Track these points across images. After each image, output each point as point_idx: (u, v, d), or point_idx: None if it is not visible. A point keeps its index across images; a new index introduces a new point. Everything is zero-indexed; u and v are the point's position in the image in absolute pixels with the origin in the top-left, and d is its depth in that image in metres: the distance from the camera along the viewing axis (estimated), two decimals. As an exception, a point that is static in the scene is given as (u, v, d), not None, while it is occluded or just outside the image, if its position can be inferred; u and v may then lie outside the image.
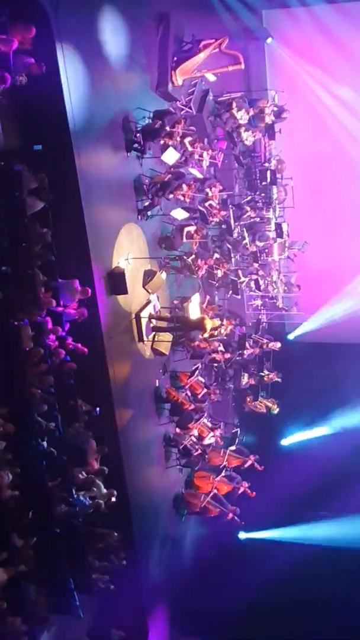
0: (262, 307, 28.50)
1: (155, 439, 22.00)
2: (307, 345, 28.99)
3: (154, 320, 20.77)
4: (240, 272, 25.62)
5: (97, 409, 17.25)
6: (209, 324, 20.87)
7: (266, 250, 26.95)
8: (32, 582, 14.70)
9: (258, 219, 26.86)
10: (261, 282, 26.61)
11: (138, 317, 20.07)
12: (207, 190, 22.80)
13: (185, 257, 22.04)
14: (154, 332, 20.84)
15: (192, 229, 21.75)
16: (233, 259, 25.40)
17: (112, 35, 18.35)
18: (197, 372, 22.75)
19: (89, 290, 16.62)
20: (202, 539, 25.18)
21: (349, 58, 26.62)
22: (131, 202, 20.01)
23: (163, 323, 21.15)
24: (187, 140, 21.01)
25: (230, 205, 24.98)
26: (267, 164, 27.02)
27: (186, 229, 21.63)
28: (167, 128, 19.73)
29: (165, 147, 20.10)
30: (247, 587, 22.43)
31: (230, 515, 22.15)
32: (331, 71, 27.18)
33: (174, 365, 22.95)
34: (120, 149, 19.19)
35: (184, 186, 20.45)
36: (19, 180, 14.55)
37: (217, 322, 22.08)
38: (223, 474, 22.76)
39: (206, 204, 22.87)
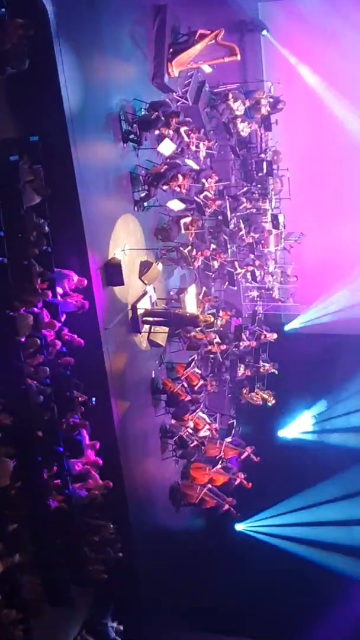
0: (258, 299, 28.54)
1: (151, 430, 22.03)
2: (303, 337, 28.99)
3: (149, 318, 20.79)
4: (236, 263, 25.64)
5: (94, 399, 17.22)
6: (202, 322, 20.96)
7: (262, 242, 26.97)
8: (27, 573, 14.70)
9: (254, 210, 26.87)
10: (257, 273, 26.63)
11: (134, 309, 20.07)
12: (203, 180, 22.76)
13: (181, 249, 22.02)
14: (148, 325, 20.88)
15: (187, 220, 21.73)
16: (229, 250, 25.40)
17: (109, 26, 18.32)
18: (193, 363, 22.77)
19: (85, 281, 16.62)
20: (199, 531, 25.21)
21: (344, 49, 26.58)
22: (127, 193, 20.00)
23: (158, 319, 21.14)
24: (182, 129, 20.97)
25: (226, 196, 24.96)
26: (263, 155, 27.01)
27: (182, 221, 21.60)
28: (163, 119, 19.72)
29: (161, 138, 20.09)
30: (243, 578, 22.49)
31: (227, 506, 22.18)
32: (326, 62, 27.15)
33: (170, 356, 22.98)
34: (116, 140, 19.17)
35: (180, 177, 20.41)
36: (15, 172, 14.52)
37: (210, 317, 22.10)
38: (219, 465, 22.78)
39: (202, 196, 22.84)
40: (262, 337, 26.21)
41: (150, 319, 20.79)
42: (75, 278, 16.53)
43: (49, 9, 15.23)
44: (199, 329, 21.77)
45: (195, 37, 21.62)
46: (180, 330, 22.05)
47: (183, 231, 21.77)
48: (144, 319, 20.57)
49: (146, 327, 20.77)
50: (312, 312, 29.01)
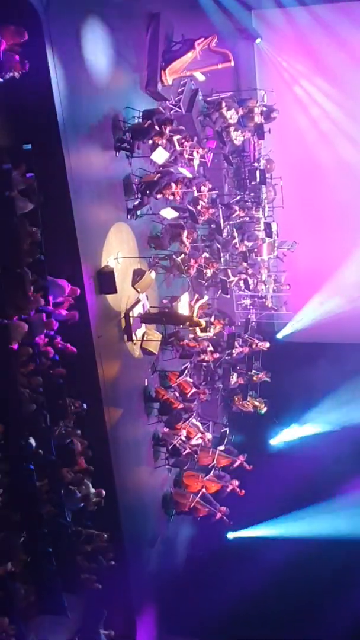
0: (251, 307, 28.57)
1: (144, 438, 22.01)
2: (296, 345, 29.04)
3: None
4: (229, 271, 25.68)
5: (84, 405, 17.22)
6: (198, 329, 21.02)
7: (255, 250, 27.02)
8: (20, 582, 14.68)
9: (247, 219, 26.92)
10: (250, 281, 26.67)
11: (127, 316, 20.07)
12: (195, 189, 22.77)
13: (174, 257, 22.02)
14: (144, 325, 20.86)
15: (184, 233, 21.76)
16: (222, 259, 25.41)
17: (102, 34, 18.35)
18: (186, 371, 22.78)
19: (78, 290, 16.59)
20: (191, 539, 25.18)
21: (337, 58, 26.66)
22: (121, 201, 20.01)
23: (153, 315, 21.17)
24: (175, 138, 20.99)
25: (219, 205, 24.99)
26: (256, 164, 27.09)
27: (183, 235, 21.67)
28: (157, 127, 19.74)
29: (154, 147, 20.11)
30: (235, 586, 22.43)
31: (219, 514, 22.16)
32: (320, 71, 27.25)
33: (163, 364, 22.96)
34: (109, 148, 19.19)
35: (173, 184, 20.42)
36: (8, 179, 14.52)
37: (202, 322, 22.12)
38: (212, 473, 22.76)
39: (195, 204, 22.86)
40: (255, 346, 26.22)
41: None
42: (68, 288, 16.49)
43: (42, 17, 15.25)
44: (192, 336, 21.80)
45: (194, 43, 21.64)
46: (173, 338, 22.08)
47: (182, 244, 21.77)
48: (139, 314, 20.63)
49: (139, 334, 20.75)
50: (304, 319, 29.04)
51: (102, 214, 18.97)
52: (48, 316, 15.76)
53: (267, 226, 26.64)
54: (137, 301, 20.68)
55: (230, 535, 24.95)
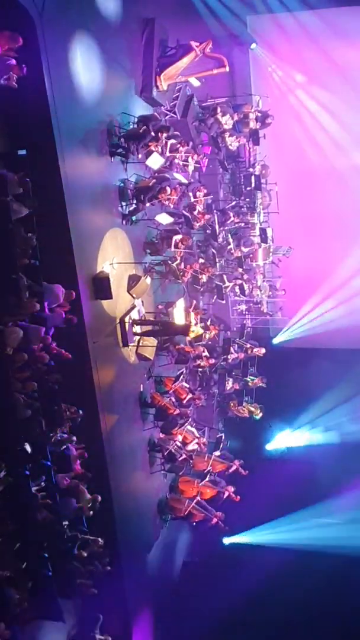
0: (246, 312, 28.56)
1: (139, 444, 21.99)
2: (291, 350, 29.07)
3: (137, 327, 20.80)
4: (225, 277, 25.70)
5: (80, 411, 17.22)
6: (194, 330, 21.00)
7: (251, 255, 27.00)
8: (15, 587, 14.66)
9: (242, 224, 26.92)
10: (246, 287, 26.67)
11: (122, 322, 20.07)
12: (190, 194, 22.77)
13: (169, 262, 22.02)
14: (138, 337, 20.88)
15: (179, 237, 21.75)
16: (218, 264, 25.42)
17: (97, 40, 18.36)
18: (181, 377, 22.74)
19: (73, 293, 16.53)
20: (187, 544, 25.17)
21: (332, 64, 26.71)
22: (116, 207, 20.03)
23: (147, 327, 21.16)
24: (170, 142, 21.00)
25: (214, 210, 25.01)
26: (251, 169, 27.08)
27: (174, 237, 21.64)
28: (152, 133, 19.77)
29: (149, 152, 20.12)
30: (231, 592, 22.43)
31: (215, 520, 22.14)
32: (314, 77, 27.30)
33: (159, 370, 22.95)
34: (105, 154, 19.22)
35: (168, 189, 20.44)
36: (3, 185, 14.52)
37: (200, 330, 22.13)
38: (207, 478, 22.76)
39: (191, 209, 22.87)
40: (250, 351, 26.23)
41: (139, 330, 20.83)
42: (63, 292, 16.45)
43: (37, 22, 15.26)
44: (188, 339, 21.80)
45: (190, 47, 21.67)
46: (169, 343, 22.08)
47: (173, 249, 21.76)
48: (134, 330, 20.60)
49: (135, 339, 20.78)
50: (300, 325, 29.07)
51: (97, 220, 18.99)
52: (44, 323, 15.77)
53: (263, 232, 26.64)
54: (133, 307, 20.69)
55: (226, 540, 24.94)
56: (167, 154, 21.13)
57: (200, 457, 23.01)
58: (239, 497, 22.61)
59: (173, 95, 22.82)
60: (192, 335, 21.22)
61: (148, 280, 21.26)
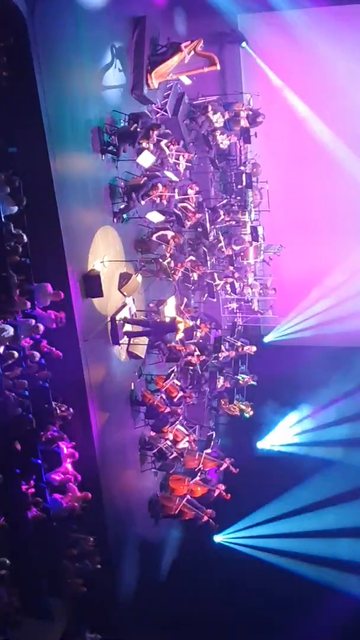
0: (237, 310, 28.54)
1: (130, 442, 21.99)
2: (282, 348, 29.04)
3: (128, 325, 20.79)
4: (216, 275, 25.67)
5: (70, 409, 17.20)
6: (182, 325, 20.97)
7: (242, 254, 26.99)
8: (5, 586, 14.64)
9: (233, 222, 26.91)
10: (237, 285, 26.64)
11: (113, 320, 20.05)
12: (178, 191, 22.72)
13: (161, 260, 22.00)
14: (127, 337, 20.89)
15: (169, 234, 21.74)
16: (209, 262, 25.39)
17: (88, 37, 18.35)
18: (172, 375, 22.73)
19: (62, 294, 16.50)
20: (177, 542, 25.16)
21: (323, 62, 26.64)
22: (107, 205, 20.01)
23: (138, 328, 21.15)
24: (163, 143, 21.01)
25: (205, 208, 25.00)
26: (242, 168, 27.06)
27: (162, 232, 21.62)
28: (143, 131, 19.76)
29: (140, 150, 20.10)
30: (222, 590, 22.45)
31: (205, 518, 22.16)
32: (305, 75, 27.23)
33: (150, 368, 22.94)
34: (95, 152, 19.19)
35: (159, 185, 20.43)
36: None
37: (189, 322, 22.10)
38: (198, 477, 22.76)
39: (181, 205, 22.85)
40: (241, 349, 26.22)
41: (130, 328, 20.82)
42: (52, 292, 16.41)
43: (28, 19, 15.23)
44: (178, 337, 21.80)
45: (175, 48, 21.66)
46: (160, 341, 22.07)
47: (165, 246, 21.74)
48: (125, 330, 20.59)
49: (126, 338, 20.77)
50: (290, 324, 29.07)
51: (88, 218, 18.96)
52: (35, 320, 15.76)
53: (254, 230, 26.63)
54: (124, 305, 20.67)
55: (217, 538, 24.94)
56: (166, 151, 21.14)
57: (191, 455, 23.02)
58: (229, 495, 22.63)
59: (164, 93, 22.80)
60: (180, 327, 21.12)
61: (139, 278, 21.24)
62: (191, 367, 24.67)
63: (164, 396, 22.41)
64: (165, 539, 24.66)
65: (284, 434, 28.71)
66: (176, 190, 22.21)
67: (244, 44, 27.05)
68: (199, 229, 24.97)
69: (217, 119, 24.37)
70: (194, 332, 23.65)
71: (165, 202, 21.43)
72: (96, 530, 18.07)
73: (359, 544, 24.32)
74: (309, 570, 23.42)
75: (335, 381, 27.50)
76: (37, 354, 15.83)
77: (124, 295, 20.70)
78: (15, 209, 15.00)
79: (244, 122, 25.30)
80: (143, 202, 20.44)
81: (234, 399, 26.27)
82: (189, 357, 23.70)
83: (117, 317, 20.18)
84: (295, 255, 28.11)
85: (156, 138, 20.47)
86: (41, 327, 15.80)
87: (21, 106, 15.55)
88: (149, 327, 21.26)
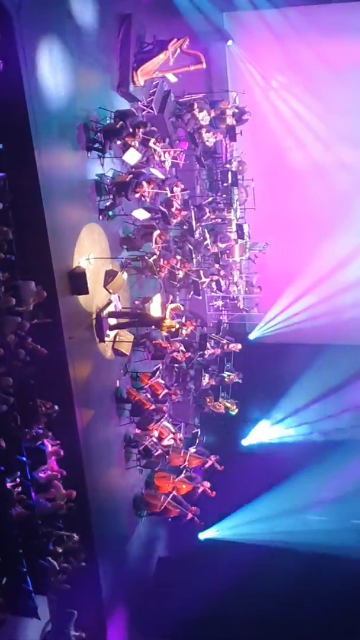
0: (223, 308, 28.58)
1: (115, 439, 21.97)
2: (267, 346, 29.11)
3: (113, 319, 20.78)
4: (201, 272, 25.67)
5: (55, 406, 17.16)
6: (167, 322, 20.99)
7: (227, 251, 27.03)
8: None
9: (219, 220, 26.94)
10: (222, 283, 26.69)
11: (99, 318, 20.03)
12: (167, 189, 22.71)
13: (146, 258, 21.99)
14: (114, 331, 20.85)
15: (157, 232, 21.73)
16: (194, 260, 25.39)
17: (74, 34, 18.33)
18: (158, 372, 22.74)
19: (44, 293, 16.42)
20: (162, 540, 25.19)
21: (308, 60, 26.75)
22: (92, 202, 19.99)
23: (123, 320, 21.14)
24: (151, 142, 20.98)
25: (191, 206, 25.00)
26: (228, 165, 27.10)
27: (154, 233, 21.61)
28: (130, 129, 19.76)
29: (126, 148, 20.09)
30: (207, 587, 22.45)
31: (190, 515, 22.17)
32: (291, 73, 27.32)
33: (135, 365, 22.93)
34: (81, 149, 19.16)
35: (144, 183, 20.43)
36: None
37: (175, 323, 22.11)
38: (183, 474, 22.77)
39: (167, 204, 22.85)
40: (226, 347, 26.25)
41: (115, 321, 20.82)
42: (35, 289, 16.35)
43: (14, 15, 15.20)
44: (164, 334, 21.82)
45: (161, 46, 21.68)
46: (145, 339, 22.06)
47: (154, 245, 21.72)
48: (110, 324, 20.58)
49: (111, 335, 20.75)
50: (276, 321, 29.14)
51: (73, 215, 18.94)
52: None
53: (239, 228, 26.66)
54: (109, 302, 20.66)
55: (202, 535, 24.97)
56: (154, 148, 21.13)
57: (176, 453, 23.01)
58: (214, 492, 22.65)
59: (150, 90, 22.80)
60: (165, 326, 21.14)
61: (125, 275, 21.24)
62: (177, 365, 24.69)
63: (149, 394, 22.44)
64: (150, 537, 24.67)
65: (269, 431, 28.78)
66: (163, 187, 22.21)
67: (229, 42, 27.13)
68: (184, 227, 24.97)
69: (203, 117, 24.39)
70: (180, 330, 23.63)
71: (149, 200, 21.42)
72: (81, 527, 18.03)
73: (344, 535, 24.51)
74: (294, 564, 23.41)
75: (320, 378, 27.59)
76: (22, 352, 15.79)
77: (110, 293, 20.68)
78: (0, 205, 14.96)
79: (229, 120, 25.34)
80: (130, 197, 20.44)
81: (219, 397, 26.30)
82: (175, 354, 23.72)
83: (103, 314, 20.16)
84: (281, 253, 28.18)
85: (142, 136, 20.46)
86: (27, 324, 15.75)
87: (7, 103, 15.51)
88: (135, 318, 21.27)
